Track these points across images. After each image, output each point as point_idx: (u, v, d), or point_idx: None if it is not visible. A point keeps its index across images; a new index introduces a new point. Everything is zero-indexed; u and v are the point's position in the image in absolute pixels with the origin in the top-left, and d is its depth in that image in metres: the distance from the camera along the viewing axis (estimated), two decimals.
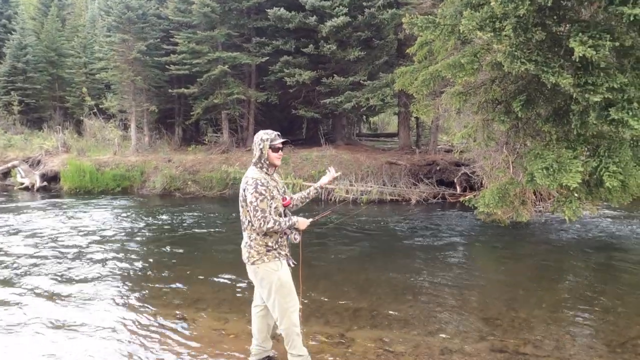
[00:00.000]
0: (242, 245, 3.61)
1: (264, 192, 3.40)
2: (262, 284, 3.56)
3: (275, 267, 3.53)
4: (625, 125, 7.07)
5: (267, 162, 3.54)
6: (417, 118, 16.63)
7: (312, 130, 19.63)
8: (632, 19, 6.74)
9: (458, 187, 13.28)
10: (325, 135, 17.76)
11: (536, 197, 11.19)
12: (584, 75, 7.39)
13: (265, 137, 3.53)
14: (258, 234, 3.49)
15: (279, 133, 3.63)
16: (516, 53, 7.50)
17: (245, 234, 3.58)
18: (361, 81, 14.35)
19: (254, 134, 16.09)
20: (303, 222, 3.63)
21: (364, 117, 23.41)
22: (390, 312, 5.19)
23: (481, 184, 11.86)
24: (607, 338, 4.58)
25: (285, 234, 3.61)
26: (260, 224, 3.37)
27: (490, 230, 9.50)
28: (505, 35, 7.54)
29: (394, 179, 13.62)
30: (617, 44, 7.34)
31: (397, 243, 8.70)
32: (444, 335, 4.60)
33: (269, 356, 3.90)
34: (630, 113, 6.99)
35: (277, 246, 3.56)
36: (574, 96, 7.49)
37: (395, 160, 14.35)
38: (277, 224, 3.42)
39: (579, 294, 5.98)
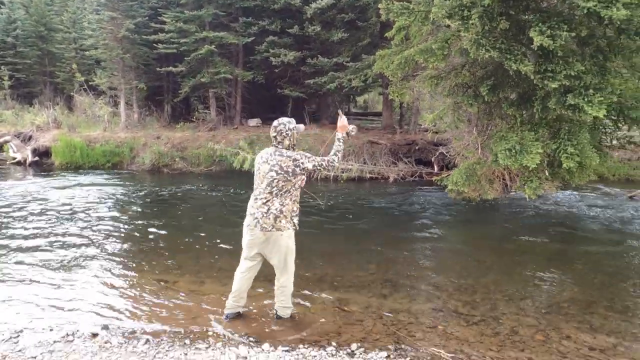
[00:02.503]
0: (266, 214, 4.09)
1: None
2: (280, 248, 4.17)
3: (293, 232, 4.23)
4: (581, 110, 7.64)
5: (294, 146, 4.26)
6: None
7: (299, 109, 20.02)
8: (585, 11, 7.25)
9: (436, 167, 13.85)
10: (313, 115, 18.21)
11: (509, 176, 11.76)
12: (545, 62, 7.92)
13: (292, 125, 4.21)
14: (290, 200, 4.14)
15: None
16: (481, 41, 7.99)
17: (276, 202, 4.09)
18: (344, 62, 14.76)
19: (242, 112, 16.37)
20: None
21: (352, 96, 23.79)
22: (352, 279, 5.75)
23: (455, 164, 12.43)
24: (538, 302, 5.18)
25: None
26: (329, 164, 4.28)
27: (459, 207, 10.10)
28: (472, 24, 8.02)
29: (374, 158, 14.16)
30: (573, 34, 7.86)
31: (369, 217, 9.27)
32: (395, 298, 5.20)
33: (239, 312, 4.49)
34: (586, 99, 7.55)
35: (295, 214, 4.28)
36: (535, 82, 8.04)
37: (377, 139, 14.86)
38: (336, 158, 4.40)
39: (526, 264, 6.56)
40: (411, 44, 10.02)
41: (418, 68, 10.31)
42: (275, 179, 4.09)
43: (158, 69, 17.27)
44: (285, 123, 4.21)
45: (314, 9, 14.46)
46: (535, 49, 7.47)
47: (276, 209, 4.10)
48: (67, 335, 4.08)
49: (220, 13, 16.27)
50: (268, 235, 4.13)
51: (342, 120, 4.47)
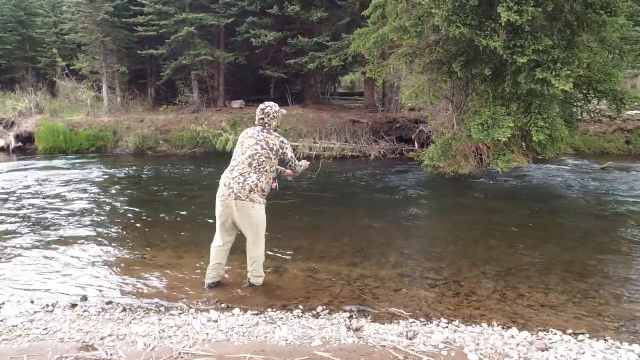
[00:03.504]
0: (242, 184, 4.33)
1: None
2: (251, 220, 4.40)
3: (265, 206, 4.49)
4: (549, 84, 7.86)
5: (278, 127, 4.63)
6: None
7: (282, 90, 20.10)
8: None
9: (416, 144, 14.08)
10: (297, 96, 18.31)
11: (487, 152, 12.01)
12: (514, 38, 8.12)
13: (277, 108, 4.59)
14: (265, 179, 4.41)
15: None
16: (452, 17, 8.16)
17: (253, 176, 4.36)
18: (325, 42, 14.83)
19: (225, 94, 16.42)
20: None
21: (336, 77, 23.82)
22: (325, 250, 5.99)
23: (434, 141, 12.66)
24: (500, 266, 5.43)
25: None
26: (295, 165, 4.76)
27: (436, 183, 10.36)
28: (443, 0, 8.17)
29: (356, 137, 14.37)
30: (540, 9, 8.05)
31: (347, 194, 9.51)
32: (364, 266, 5.44)
33: (219, 281, 4.73)
34: (554, 73, 7.77)
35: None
36: (505, 57, 8.24)
37: (359, 118, 15.05)
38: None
39: (495, 234, 6.83)
40: (388, 23, 10.14)
41: (394, 46, 10.45)
42: (259, 152, 4.39)
43: (139, 52, 17.21)
44: (272, 106, 4.56)
45: None
46: (503, 24, 7.66)
47: (252, 182, 4.35)
48: (48, 306, 4.29)
49: None
50: (241, 205, 4.34)
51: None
